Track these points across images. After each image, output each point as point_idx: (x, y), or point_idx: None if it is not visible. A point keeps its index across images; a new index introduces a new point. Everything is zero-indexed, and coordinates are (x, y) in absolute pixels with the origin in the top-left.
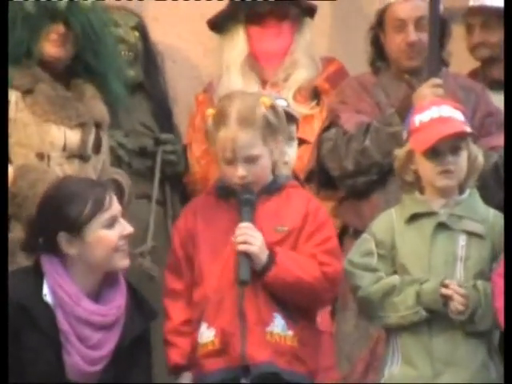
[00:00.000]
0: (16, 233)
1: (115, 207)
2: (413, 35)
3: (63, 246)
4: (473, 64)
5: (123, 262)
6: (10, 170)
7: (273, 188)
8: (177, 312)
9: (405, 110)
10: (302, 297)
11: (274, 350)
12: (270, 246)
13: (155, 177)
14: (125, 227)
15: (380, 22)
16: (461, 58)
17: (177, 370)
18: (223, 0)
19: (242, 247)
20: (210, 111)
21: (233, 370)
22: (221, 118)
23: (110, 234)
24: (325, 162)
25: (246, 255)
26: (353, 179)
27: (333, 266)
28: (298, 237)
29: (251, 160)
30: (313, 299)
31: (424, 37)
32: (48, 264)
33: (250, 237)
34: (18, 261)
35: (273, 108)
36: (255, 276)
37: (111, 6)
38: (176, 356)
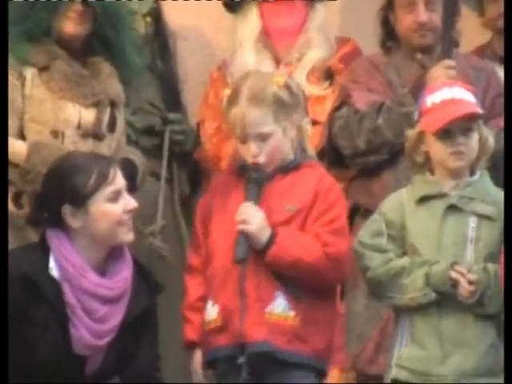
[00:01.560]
0: (27, 208)
1: (119, 181)
2: (423, 15)
3: (68, 218)
4: (476, 41)
5: (127, 236)
6: (24, 145)
7: (288, 167)
8: (193, 288)
9: (418, 90)
10: (303, 276)
11: (272, 329)
12: (277, 225)
13: (163, 156)
14: (129, 202)
15: (390, 3)
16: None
17: (191, 346)
18: None
19: (240, 227)
20: (226, 91)
21: (231, 347)
22: (234, 96)
23: (113, 207)
24: (336, 140)
25: (245, 234)
26: (364, 158)
27: (336, 246)
28: (307, 216)
29: (262, 138)
30: (316, 279)
31: (434, 16)
32: (54, 238)
33: (249, 216)
34: (29, 236)
35: (286, 86)
36: (257, 255)
37: None
38: (190, 332)
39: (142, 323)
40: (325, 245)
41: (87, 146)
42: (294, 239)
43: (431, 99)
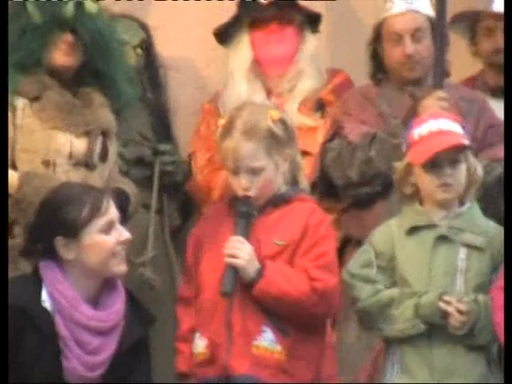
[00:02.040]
0: (19, 239)
1: (112, 213)
2: (410, 47)
3: (61, 250)
4: (466, 70)
5: (120, 268)
6: (15, 175)
7: (278, 200)
8: (185, 319)
9: (410, 121)
10: (290, 311)
11: (258, 363)
12: (263, 259)
13: (153, 187)
14: (122, 233)
15: (377, 36)
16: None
17: (183, 377)
18: (226, 7)
19: (227, 260)
20: (221, 121)
21: (218, 379)
22: (228, 128)
23: (106, 238)
24: (329, 171)
25: (233, 268)
26: (357, 189)
27: (324, 281)
28: (296, 250)
29: (254, 171)
30: (303, 314)
31: (421, 48)
32: (47, 270)
33: (238, 250)
34: (21, 267)
35: (281, 121)
36: (244, 289)
37: (117, 14)
38: (182, 363)
39: (134, 354)
40: (312, 280)
41: (79, 175)
42: (281, 273)
43: (418, 131)
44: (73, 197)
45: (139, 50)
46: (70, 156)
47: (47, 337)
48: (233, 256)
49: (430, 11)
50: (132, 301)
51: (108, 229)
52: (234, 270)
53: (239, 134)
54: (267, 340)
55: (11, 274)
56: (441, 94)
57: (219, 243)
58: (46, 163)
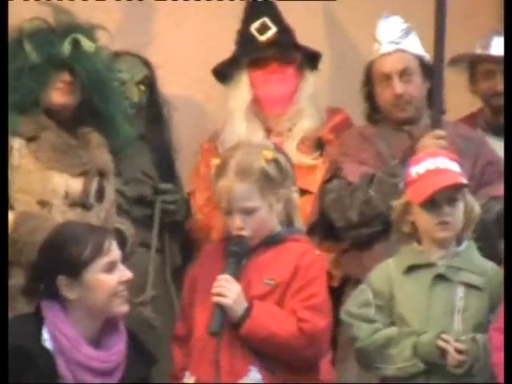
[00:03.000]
0: (16, 279)
1: (115, 252)
2: (398, 87)
3: (63, 289)
4: (465, 109)
5: (122, 308)
6: (11, 216)
7: (272, 241)
8: (179, 358)
9: (408, 159)
10: (277, 351)
11: None
12: (252, 299)
13: (154, 226)
14: (124, 273)
15: (368, 78)
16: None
17: None
18: (225, 48)
19: (215, 299)
20: (215, 161)
21: None
22: (221, 168)
23: (109, 278)
24: (328, 213)
25: (220, 307)
26: (357, 230)
27: (312, 322)
28: (286, 291)
29: (247, 212)
30: (290, 355)
31: (410, 87)
32: (48, 309)
33: (225, 289)
34: (19, 307)
35: (275, 161)
36: (232, 328)
37: (120, 51)
38: None
39: None
40: (300, 321)
41: (75, 215)
42: (269, 314)
43: (416, 170)
44: (75, 236)
45: (142, 87)
46: (66, 196)
47: (48, 377)
48: (220, 295)
49: (419, 50)
50: (134, 341)
51: (110, 268)
52: (222, 310)
53: (233, 174)
54: (253, 380)
55: (9, 313)
56: (439, 132)
57: (211, 283)
58: (42, 203)
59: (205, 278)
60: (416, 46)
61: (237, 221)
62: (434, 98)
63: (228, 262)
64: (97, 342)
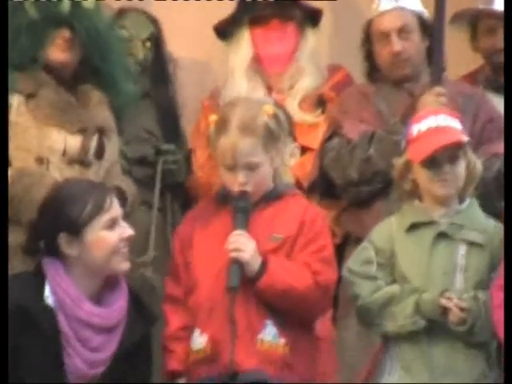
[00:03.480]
0: (13, 236)
1: (116, 209)
2: (397, 45)
3: (64, 247)
4: (466, 66)
5: (122, 265)
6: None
7: (271, 196)
8: (175, 318)
9: (408, 118)
10: (293, 305)
11: (264, 358)
12: (264, 254)
13: (156, 187)
14: (125, 230)
15: (367, 36)
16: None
17: (173, 376)
18: (228, 5)
19: (233, 254)
20: (213, 117)
21: (222, 376)
22: (222, 125)
23: (109, 235)
24: (328, 171)
25: (238, 262)
26: (356, 188)
27: (326, 274)
28: (293, 245)
29: (251, 167)
30: (305, 308)
31: (409, 45)
32: (50, 266)
33: (242, 244)
34: (14, 265)
35: (275, 116)
36: (247, 283)
37: (126, 8)
38: (173, 362)
39: (136, 353)
40: (315, 273)
41: (73, 173)
42: (285, 267)
43: (417, 128)
44: (76, 194)
45: (148, 44)
46: (64, 153)
47: (49, 334)
48: (238, 250)
49: (418, 7)
50: (135, 299)
51: (111, 225)
52: (239, 265)
53: (236, 130)
54: (271, 334)
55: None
56: (439, 89)
57: (210, 241)
58: (40, 161)
59: (203, 236)
60: (415, 3)
61: (240, 176)
62: (434, 55)
63: (237, 217)
64: (98, 299)
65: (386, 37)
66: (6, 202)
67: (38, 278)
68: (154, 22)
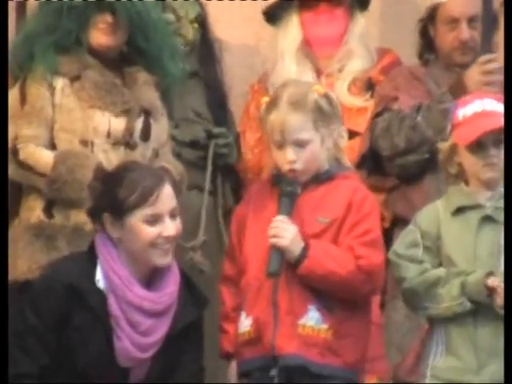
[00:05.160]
0: (57, 218)
1: (163, 205)
2: (466, 33)
3: (107, 227)
4: None
5: (161, 260)
6: (51, 155)
7: (322, 177)
8: (229, 298)
9: (457, 89)
10: (336, 289)
11: (305, 342)
12: (309, 238)
13: (207, 170)
14: (168, 228)
15: (431, 16)
16: None
17: (227, 357)
18: None
19: (272, 240)
20: (266, 99)
21: (264, 359)
22: (273, 102)
23: (147, 229)
24: (377, 142)
25: (278, 248)
26: (404, 158)
27: (369, 258)
28: (340, 228)
29: (301, 144)
30: (349, 291)
31: (476, 34)
32: (102, 246)
33: (282, 230)
34: (60, 245)
35: (326, 96)
36: (289, 268)
37: None
38: (226, 343)
39: (187, 337)
40: (358, 257)
41: (118, 154)
42: (326, 252)
43: (463, 112)
44: (130, 178)
45: (195, 25)
46: (109, 135)
47: (99, 316)
48: (277, 236)
49: None
50: (186, 283)
51: (153, 220)
52: (279, 251)
53: (286, 105)
54: (313, 319)
55: (47, 252)
56: (484, 58)
57: (262, 222)
58: (84, 143)
59: (254, 218)
60: None
61: (289, 153)
62: (484, 24)
63: (282, 201)
64: (149, 283)
65: (454, 21)
66: (6, 202)
67: (90, 259)
68: (199, 2)
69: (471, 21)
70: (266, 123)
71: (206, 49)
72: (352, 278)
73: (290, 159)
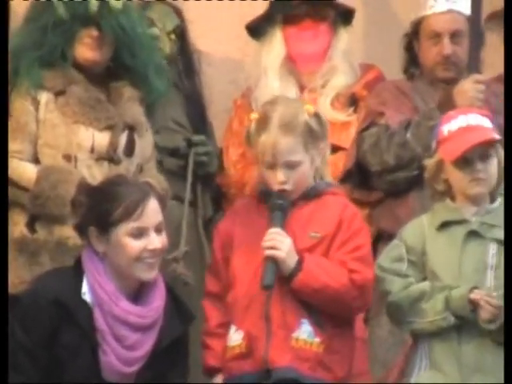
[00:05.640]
0: (40, 233)
1: (148, 219)
2: (448, 48)
3: (93, 240)
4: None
5: (146, 274)
6: (34, 170)
7: (311, 194)
8: (213, 314)
9: (445, 105)
10: (329, 303)
11: (297, 356)
12: (301, 252)
13: (188, 179)
14: (153, 242)
15: (415, 31)
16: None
17: (211, 372)
18: (262, 4)
19: (268, 252)
20: (254, 115)
21: (256, 373)
22: (263, 123)
23: (132, 243)
24: (365, 158)
25: (273, 260)
26: (393, 174)
27: (362, 273)
28: (331, 243)
29: (291, 166)
30: (341, 306)
31: (459, 49)
32: (88, 261)
33: (278, 242)
34: (42, 261)
35: (316, 116)
36: (283, 281)
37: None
38: (210, 358)
39: (172, 351)
40: (351, 272)
41: (102, 170)
42: (320, 266)
43: (448, 128)
44: (115, 193)
45: (173, 37)
46: (92, 150)
47: (86, 330)
48: (274, 248)
49: (469, 11)
50: (173, 297)
51: (138, 234)
52: (274, 263)
53: (277, 128)
54: (306, 332)
55: (30, 267)
56: (477, 76)
57: (251, 237)
58: (68, 158)
59: (242, 233)
60: (468, 8)
61: (280, 175)
62: (471, 44)
63: (274, 215)
64: (135, 297)
65: (437, 37)
66: (6, 204)
67: (76, 273)
68: (178, 13)
69: (454, 36)
70: (257, 143)
71: (184, 60)
72: (344, 292)
73: (280, 180)
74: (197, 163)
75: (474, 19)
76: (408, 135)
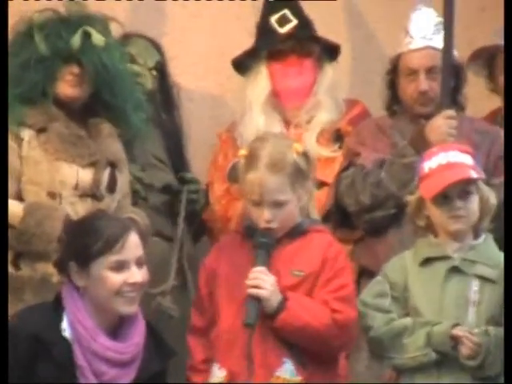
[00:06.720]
0: (24, 270)
1: (129, 252)
2: (424, 84)
3: (73, 275)
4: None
5: (126, 309)
6: (20, 207)
7: (296, 232)
8: (198, 350)
9: (417, 141)
10: (311, 342)
11: None
12: (284, 290)
13: (180, 215)
14: (133, 275)
15: (394, 68)
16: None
17: None
18: (245, 39)
19: (251, 291)
20: (242, 152)
21: None
22: (251, 160)
23: (112, 277)
24: (342, 198)
25: (256, 299)
26: (370, 214)
27: (344, 313)
28: (315, 282)
29: (278, 204)
30: (323, 345)
31: (435, 85)
32: (68, 297)
33: (262, 281)
34: (26, 298)
35: (304, 154)
36: (265, 320)
37: (132, 34)
38: None
39: None
40: (334, 312)
41: (85, 206)
42: (303, 305)
43: (428, 165)
44: (94, 227)
45: (154, 72)
46: (76, 187)
47: (64, 366)
48: (256, 287)
49: None
50: (152, 333)
51: (118, 267)
52: (257, 301)
53: (264, 167)
54: (288, 371)
55: (16, 304)
56: (449, 112)
57: (235, 274)
58: (52, 195)
59: (227, 269)
60: None
61: (266, 213)
62: (442, 77)
63: (258, 253)
64: (115, 333)
65: (413, 73)
66: (6, 206)
67: (56, 309)
68: (158, 48)
69: (430, 72)
70: (244, 180)
71: (164, 96)
72: (327, 331)
73: (266, 219)
74: (187, 200)
75: (446, 52)
76: (382, 174)
